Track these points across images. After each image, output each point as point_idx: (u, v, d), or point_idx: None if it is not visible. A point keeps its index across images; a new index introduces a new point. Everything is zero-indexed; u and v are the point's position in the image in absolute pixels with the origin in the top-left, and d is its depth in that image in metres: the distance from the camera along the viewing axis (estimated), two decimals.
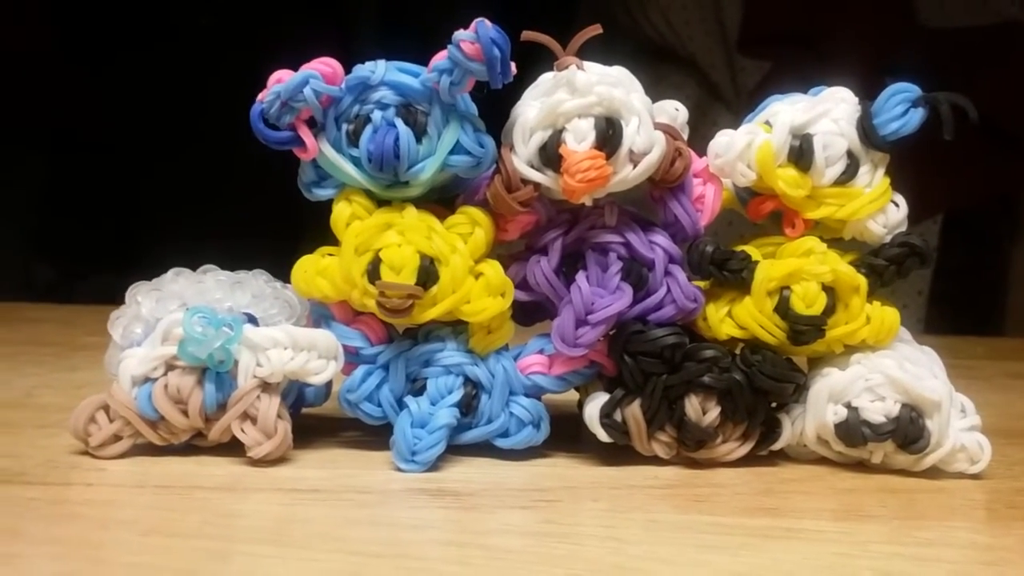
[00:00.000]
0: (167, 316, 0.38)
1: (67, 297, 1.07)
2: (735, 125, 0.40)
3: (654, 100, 0.39)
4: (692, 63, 1.14)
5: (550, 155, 0.37)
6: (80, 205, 1.15)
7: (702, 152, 0.40)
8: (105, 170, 1.13)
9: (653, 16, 1.17)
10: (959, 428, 0.38)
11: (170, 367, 0.37)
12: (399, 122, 0.37)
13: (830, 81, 0.40)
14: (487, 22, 0.36)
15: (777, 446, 0.40)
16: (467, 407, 0.39)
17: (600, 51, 0.37)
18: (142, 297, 0.41)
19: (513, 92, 0.38)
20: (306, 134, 0.38)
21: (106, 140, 1.12)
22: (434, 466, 0.38)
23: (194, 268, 0.43)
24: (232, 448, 0.38)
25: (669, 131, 0.38)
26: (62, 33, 1.14)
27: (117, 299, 0.42)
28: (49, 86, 1.12)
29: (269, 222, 0.84)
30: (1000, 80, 1.01)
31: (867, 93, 0.39)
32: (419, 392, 0.39)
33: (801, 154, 0.38)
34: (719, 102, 1.14)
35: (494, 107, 0.39)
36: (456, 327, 0.39)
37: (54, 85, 1.12)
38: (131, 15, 1.12)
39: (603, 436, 0.39)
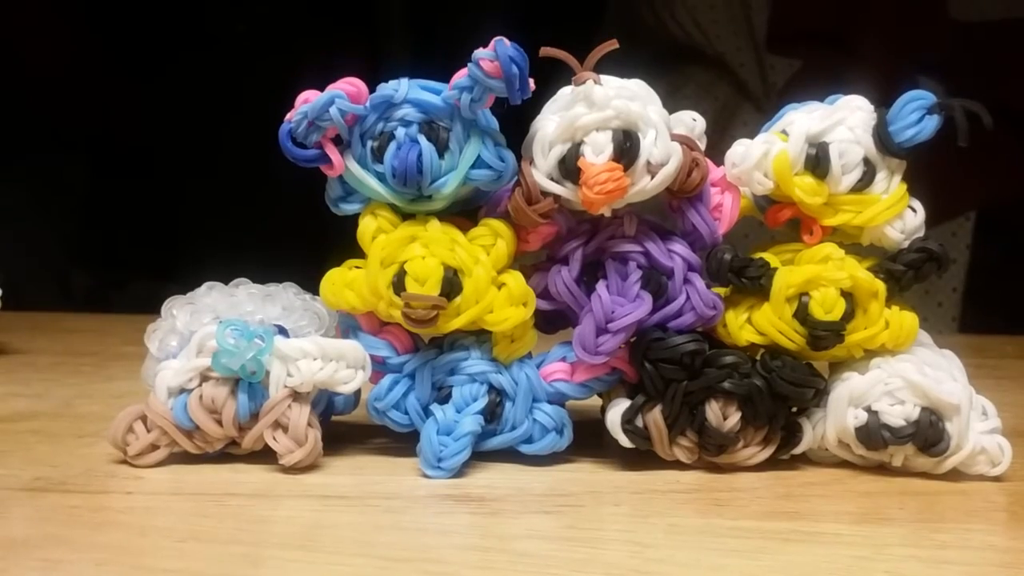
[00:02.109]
0: (201, 329, 0.40)
1: (104, 305, 1.10)
2: (764, 124, 0.41)
3: (682, 101, 0.40)
4: (720, 62, 1.14)
5: (569, 168, 0.38)
6: (118, 214, 1.17)
7: (720, 164, 0.41)
8: (142, 179, 1.16)
9: (680, 16, 1.17)
10: (980, 431, 0.38)
11: (204, 378, 0.39)
12: (422, 138, 0.38)
13: (860, 78, 0.40)
14: (505, 40, 0.36)
15: (798, 450, 0.40)
16: (491, 414, 0.40)
17: (625, 54, 0.38)
18: (177, 310, 0.42)
19: (533, 105, 0.39)
20: (332, 152, 0.39)
21: (143, 150, 1.15)
22: (460, 472, 0.39)
23: (227, 278, 0.44)
24: (265, 456, 0.39)
25: (686, 142, 0.38)
26: (102, 43, 1.16)
27: (153, 307, 0.43)
28: (88, 95, 1.14)
29: (298, 235, 0.85)
30: None
31: (898, 90, 0.39)
32: (445, 400, 0.40)
33: (818, 162, 0.39)
34: (748, 101, 1.14)
35: (515, 121, 0.40)
36: (480, 336, 0.40)
37: (93, 94, 1.14)
38: (170, 26, 1.14)
39: (625, 442, 0.39)
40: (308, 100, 0.38)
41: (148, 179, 1.15)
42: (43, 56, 1.12)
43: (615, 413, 0.39)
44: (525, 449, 0.40)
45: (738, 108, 1.10)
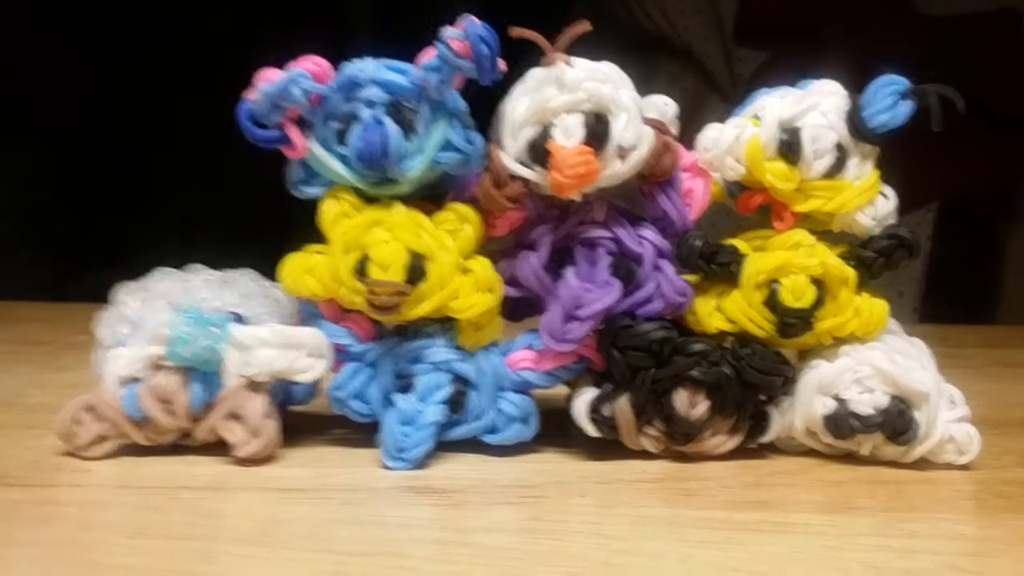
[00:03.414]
0: (153, 316, 0.38)
1: (60, 295, 1.07)
2: (730, 116, 0.40)
3: (650, 92, 0.39)
4: (688, 53, 1.14)
5: (539, 151, 0.37)
6: (73, 203, 1.14)
7: (691, 148, 0.40)
8: (98, 168, 1.13)
9: (648, 6, 1.17)
10: (948, 419, 0.38)
11: (156, 367, 0.37)
12: (388, 120, 0.37)
13: (827, 71, 0.40)
14: (475, 19, 0.35)
15: (766, 439, 0.40)
16: (455, 404, 0.39)
17: (594, 43, 0.37)
18: (128, 297, 0.40)
19: (502, 88, 0.38)
20: (294, 133, 0.37)
21: (99, 137, 1.12)
22: (422, 463, 0.38)
23: (184, 264, 0.43)
24: (219, 448, 0.38)
25: (658, 126, 0.38)
26: (55, 31, 1.13)
27: (109, 297, 0.41)
28: (41, 83, 1.11)
29: (258, 220, 0.83)
30: (998, 68, 1.01)
31: (865, 83, 0.39)
32: (407, 389, 0.39)
33: (790, 147, 0.38)
34: (715, 92, 1.14)
35: (483, 104, 0.39)
36: (445, 324, 0.39)
37: (46, 82, 1.11)
38: (122, 11, 1.12)
39: (591, 431, 0.39)
40: (269, 79, 0.37)
41: (104, 163, 1.13)
42: None
43: (582, 402, 0.39)
44: (490, 439, 0.39)
45: (705, 99, 1.11)
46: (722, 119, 0.40)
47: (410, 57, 0.37)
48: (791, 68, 0.40)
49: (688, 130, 0.40)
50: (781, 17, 1.14)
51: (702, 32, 1.16)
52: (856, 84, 0.39)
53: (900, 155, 0.39)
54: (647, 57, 1.11)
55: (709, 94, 1.13)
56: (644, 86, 0.38)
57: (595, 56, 0.38)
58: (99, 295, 0.41)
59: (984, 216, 1.17)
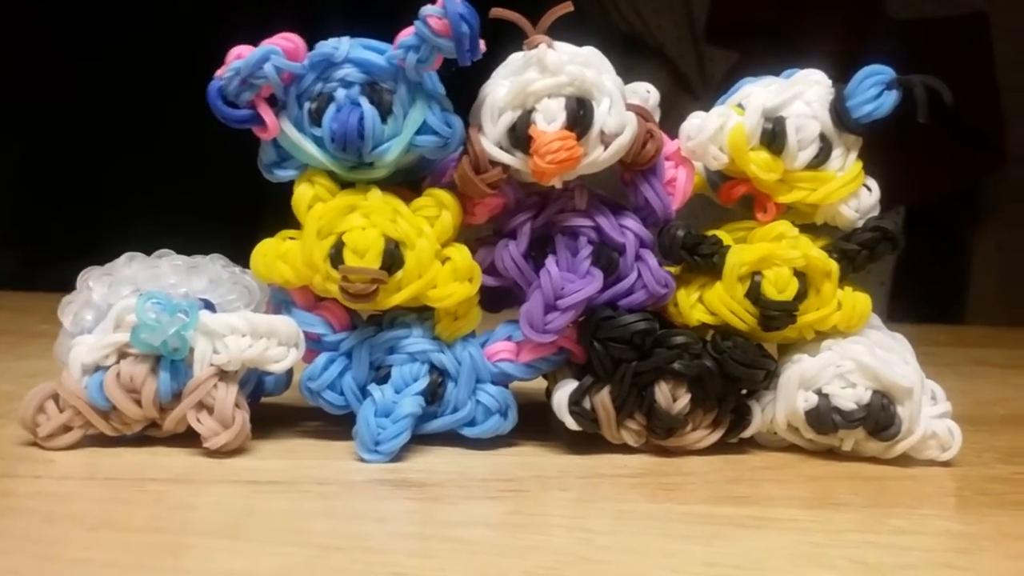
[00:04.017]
0: (119, 302, 0.37)
1: (30, 285, 1.05)
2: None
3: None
4: (660, 53, 1.14)
5: (519, 136, 0.36)
6: (43, 192, 1.12)
7: (671, 139, 0.39)
8: (67, 156, 1.11)
9: (622, 4, 1.17)
10: (930, 415, 0.38)
11: (122, 355, 0.36)
12: (364, 101, 0.36)
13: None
14: None
15: (747, 433, 0.39)
16: (433, 395, 0.38)
17: (568, 41, 0.36)
18: (93, 282, 0.39)
19: (482, 71, 0.37)
20: (266, 112, 0.36)
21: (67, 125, 1.10)
22: (398, 456, 0.37)
23: (153, 250, 0.41)
24: (188, 439, 0.37)
25: (641, 112, 0.37)
26: (25, 23, 1.11)
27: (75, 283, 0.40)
28: (10, 73, 1.09)
29: (228, 204, 0.82)
30: (966, 72, 1.02)
31: (834, 84, 0.39)
32: (383, 380, 0.38)
33: (774, 137, 0.38)
34: (687, 93, 1.14)
35: (462, 86, 0.38)
36: (422, 313, 0.38)
37: (13, 69, 1.09)
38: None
39: (572, 424, 0.38)
40: (241, 56, 0.36)
41: (72, 156, 1.10)
42: None
43: (562, 394, 0.38)
44: (468, 432, 0.38)
45: (677, 100, 1.11)
46: None
47: (387, 37, 0.36)
48: (762, 70, 0.40)
49: (661, 129, 0.39)
50: (752, 17, 1.14)
51: (674, 32, 1.16)
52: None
53: (867, 158, 0.39)
54: (623, 56, 1.11)
55: (681, 95, 1.13)
56: None
57: None
58: (68, 285, 0.40)
59: (950, 219, 1.18)
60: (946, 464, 0.38)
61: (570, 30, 0.36)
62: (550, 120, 0.36)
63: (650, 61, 1.14)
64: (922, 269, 1.07)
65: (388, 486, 0.34)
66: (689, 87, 1.15)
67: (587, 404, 0.38)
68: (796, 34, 1.08)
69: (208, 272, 0.40)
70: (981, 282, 1.18)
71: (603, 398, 0.38)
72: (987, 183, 1.19)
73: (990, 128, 1.12)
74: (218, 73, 0.36)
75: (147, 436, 0.37)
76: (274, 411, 0.42)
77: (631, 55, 1.13)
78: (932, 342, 0.74)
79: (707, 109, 0.39)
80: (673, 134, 0.39)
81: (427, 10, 0.34)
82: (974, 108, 1.07)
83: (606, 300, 0.38)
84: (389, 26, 0.36)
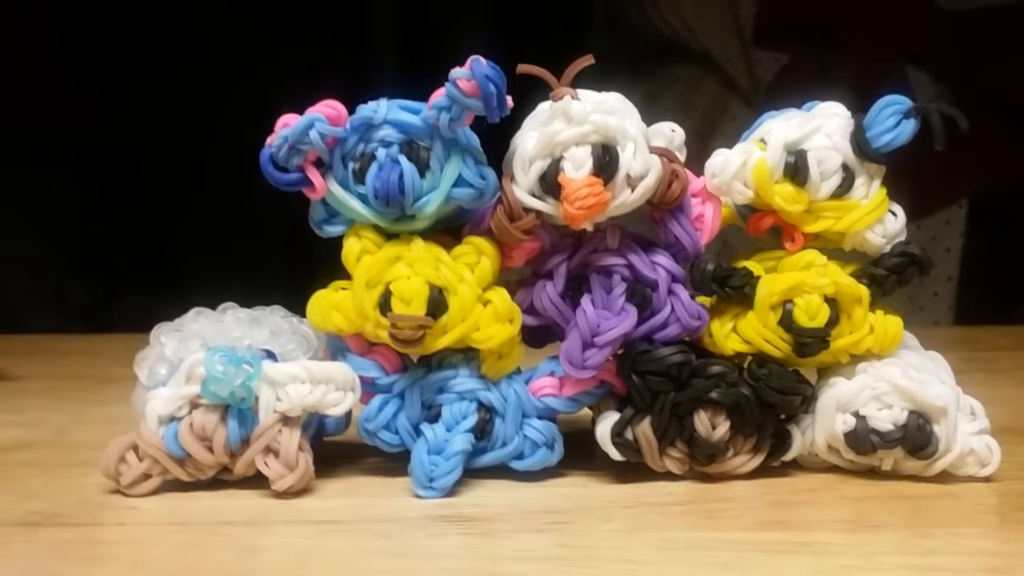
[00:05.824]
0: (189, 356, 0.40)
1: (102, 319, 1.10)
2: (753, 119, 0.41)
3: (671, 98, 0.39)
4: (707, 58, 1.14)
5: (550, 183, 0.38)
6: (113, 226, 1.16)
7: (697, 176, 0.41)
8: (129, 191, 1.15)
9: (666, 12, 1.17)
10: (968, 432, 0.38)
11: (194, 406, 0.39)
12: (403, 159, 0.38)
13: (848, 71, 0.40)
14: (481, 59, 0.37)
15: (788, 457, 0.40)
16: (482, 431, 0.40)
17: (612, 54, 0.38)
18: (165, 338, 0.42)
19: (514, 119, 0.39)
20: (314, 175, 0.39)
21: (131, 162, 1.15)
22: (452, 491, 0.39)
23: (215, 297, 0.44)
24: (257, 481, 0.39)
25: (665, 154, 0.38)
26: (87, 55, 1.16)
27: (149, 323, 0.43)
28: (81, 106, 1.14)
29: (285, 259, 0.85)
30: (1019, 60, 1.00)
31: (885, 82, 0.39)
32: (435, 419, 0.40)
33: (796, 170, 0.39)
34: (737, 96, 1.13)
35: (496, 136, 0.40)
36: (468, 354, 0.40)
37: (86, 105, 1.14)
38: (169, 38, 1.14)
39: (615, 455, 0.40)
40: (288, 124, 0.38)
41: (135, 192, 1.15)
42: (29, 68, 1.12)
43: (604, 426, 0.40)
44: (516, 465, 0.40)
45: (727, 103, 1.10)
46: (745, 123, 0.41)
47: (431, 92, 0.38)
48: (812, 70, 0.41)
49: (712, 135, 0.41)
50: (800, 18, 1.13)
51: (720, 36, 1.16)
52: (877, 83, 0.39)
53: (925, 152, 0.39)
54: (666, 64, 1.11)
55: (731, 98, 1.12)
56: (664, 94, 0.39)
57: (614, 67, 0.38)
58: (142, 321, 0.43)
59: (1017, 212, 1.15)
60: (987, 480, 0.39)
61: (613, 43, 0.37)
62: (578, 167, 0.37)
63: (697, 67, 1.14)
64: (989, 263, 1.04)
65: (443, 522, 0.36)
66: (739, 90, 1.15)
67: (629, 435, 0.39)
68: (845, 33, 1.07)
69: (269, 324, 0.43)
70: None
71: (644, 429, 0.39)
72: None
73: None
74: (268, 141, 0.39)
75: (220, 480, 0.40)
76: (336, 450, 0.45)
77: (677, 63, 1.13)
78: (990, 346, 0.73)
79: (758, 111, 0.41)
80: (725, 138, 0.40)
81: (456, 73, 0.37)
82: None
83: (642, 334, 0.39)
84: (434, 80, 0.38)
